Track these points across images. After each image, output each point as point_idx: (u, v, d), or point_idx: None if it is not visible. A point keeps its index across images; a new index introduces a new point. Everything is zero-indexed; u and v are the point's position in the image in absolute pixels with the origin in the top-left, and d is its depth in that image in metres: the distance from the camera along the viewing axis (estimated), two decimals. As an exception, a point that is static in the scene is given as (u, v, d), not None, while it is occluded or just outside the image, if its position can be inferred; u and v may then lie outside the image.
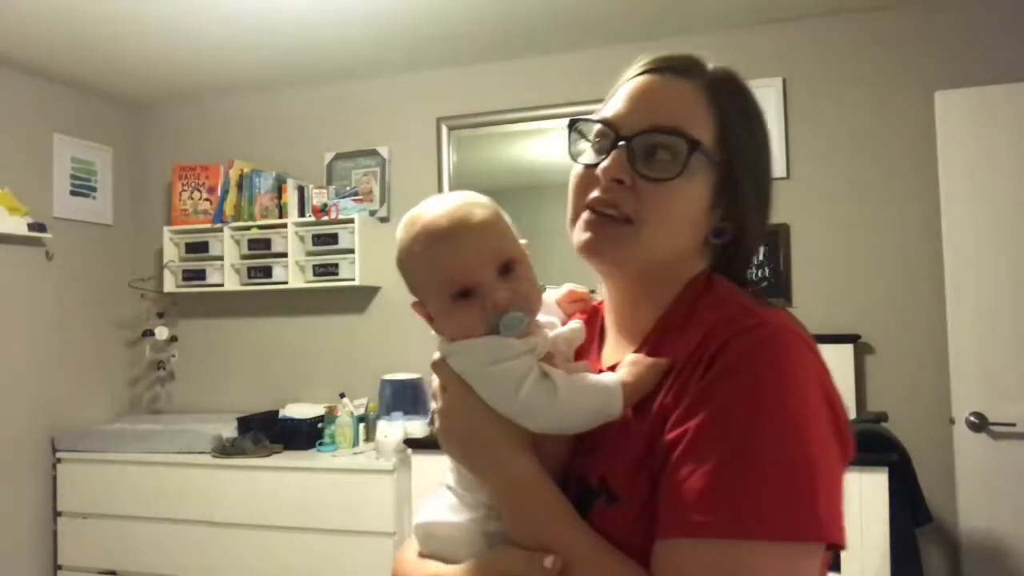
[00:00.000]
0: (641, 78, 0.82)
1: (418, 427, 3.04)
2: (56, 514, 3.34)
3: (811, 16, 2.97)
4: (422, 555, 0.84)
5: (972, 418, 2.61)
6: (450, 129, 3.45)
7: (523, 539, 0.74)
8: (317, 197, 3.38)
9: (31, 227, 3.25)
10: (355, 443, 3.18)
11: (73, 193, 3.57)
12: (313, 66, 3.41)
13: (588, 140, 0.84)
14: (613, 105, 0.82)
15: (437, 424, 0.82)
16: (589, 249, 0.80)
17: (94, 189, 3.68)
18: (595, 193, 0.79)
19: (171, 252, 3.59)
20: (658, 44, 3.11)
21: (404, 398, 3.21)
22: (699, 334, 0.73)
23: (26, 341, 3.33)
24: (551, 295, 0.93)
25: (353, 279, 3.28)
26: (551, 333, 0.81)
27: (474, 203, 0.80)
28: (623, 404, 0.74)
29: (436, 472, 2.98)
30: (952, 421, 2.66)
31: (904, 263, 2.85)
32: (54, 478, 3.36)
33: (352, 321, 3.55)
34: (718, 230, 0.81)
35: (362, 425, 3.25)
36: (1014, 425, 2.57)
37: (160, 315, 3.73)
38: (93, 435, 3.33)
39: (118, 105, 3.84)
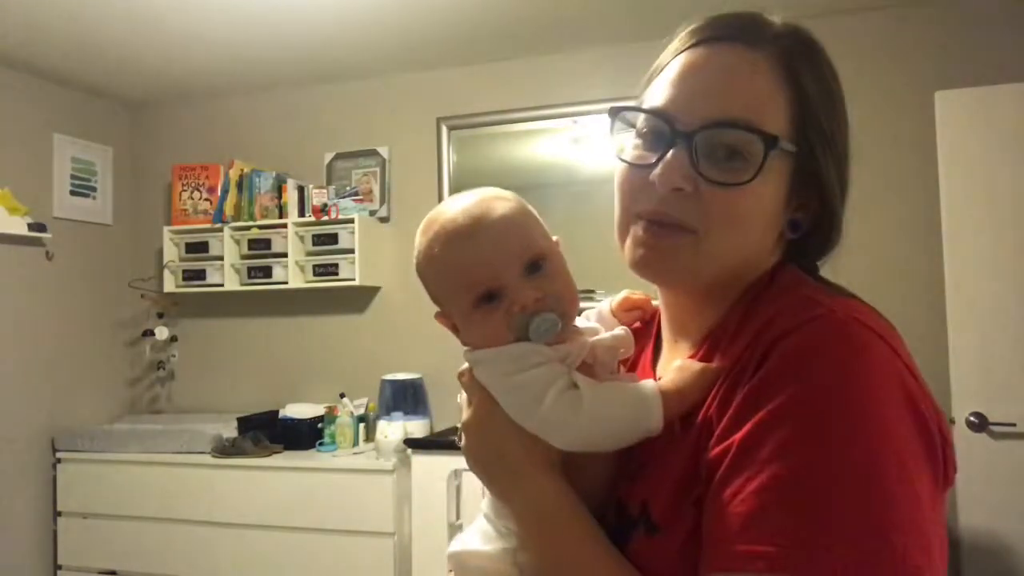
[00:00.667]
0: (697, 52, 0.67)
1: (418, 427, 3.05)
2: (56, 514, 3.34)
3: (811, 16, 2.95)
4: None
5: (972, 418, 2.61)
6: (450, 129, 3.44)
7: (545, 567, 0.66)
8: (317, 197, 3.38)
9: (31, 227, 3.25)
10: (355, 443, 3.19)
11: (73, 193, 3.57)
12: (313, 66, 3.41)
13: (635, 131, 0.70)
14: (663, 89, 0.67)
15: (462, 441, 0.74)
16: (644, 267, 0.68)
17: (94, 189, 3.68)
18: (649, 203, 0.66)
19: (171, 252, 3.59)
20: (658, 44, 3.12)
21: (404, 398, 3.21)
22: (754, 330, 0.62)
23: (26, 341, 3.32)
24: (605, 304, 0.85)
25: (353, 279, 3.28)
26: (589, 340, 0.71)
27: (494, 197, 0.72)
28: (664, 415, 0.63)
29: (436, 472, 2.98)
30: (952, 421, 2.66)
31: (904, 263, 2.84)
32: (54, 478, 3.36)
33: (352, 321, 3.55)
34: (794, 223, 0.70)
35: (362, 425, 3.25)
36: (1014, 425, 2.57)
37: (160, 315, 3.73)
38: (93, 435, 3.33)
39: (118, 105, 3.84)
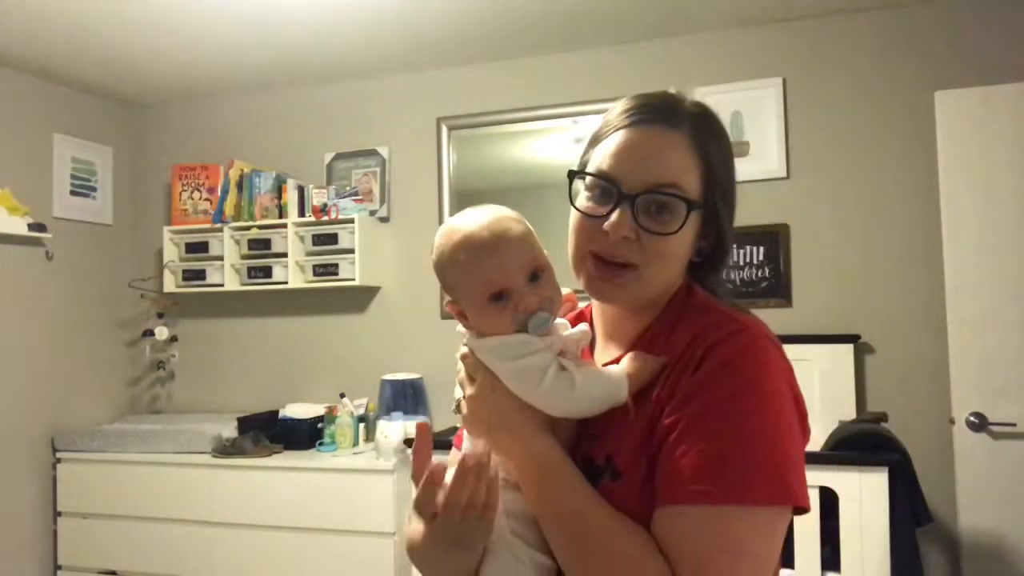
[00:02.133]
0: (632, 131, 0.89)
1: (418, 427, 3.04)
2: (56, 514, 3.34)
3: (811, 16, 2.97)
4: None
5: (972, 418, 2.61)
6: (450, 129, 3.45)
7: (544, 508, 0.84)
8: (317, 197, 3.38)
9: (31, 227, 3.25)
10: (355, 443, 3.19)
11: (73, 193, 3.57)
12: (313, 66, 3.41)
13: (584, 185, 0.92)
14: (609, 156, 0.89)
15: (464, 410, 0.93)
16: (599, 293, 0.92)
17: (94, 189, 3.68)
18: (600, 244, 0.88)
19: (171, 252, 3.59)
20: (659, 44, 3.12)
21: (404, 398, 3.22)
22: (688, 337, 0.86)
23: (26, 341, 3.33)
24: None
25: (353, 279, 3.28)
26: (564, 335, 0.91)
27: (510, 218, 0.91)
28: (628, 392, 0.85)
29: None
30: (952, 421, 2.66)
31: (904, 263, 2.85)
32: (54, 478, 3.36)
33: (352, 321, 3.55)
34: (699, 250, 0.93)
35: (362, 425, 3.25)
36: (1014, 425, 2.57)
37: (160, 315, 3.73)
38: (93, 435, 3.33)
39: (118, 105, 3.84)
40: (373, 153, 3.53)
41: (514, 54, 3.30)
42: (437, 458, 0.89)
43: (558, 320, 0.93)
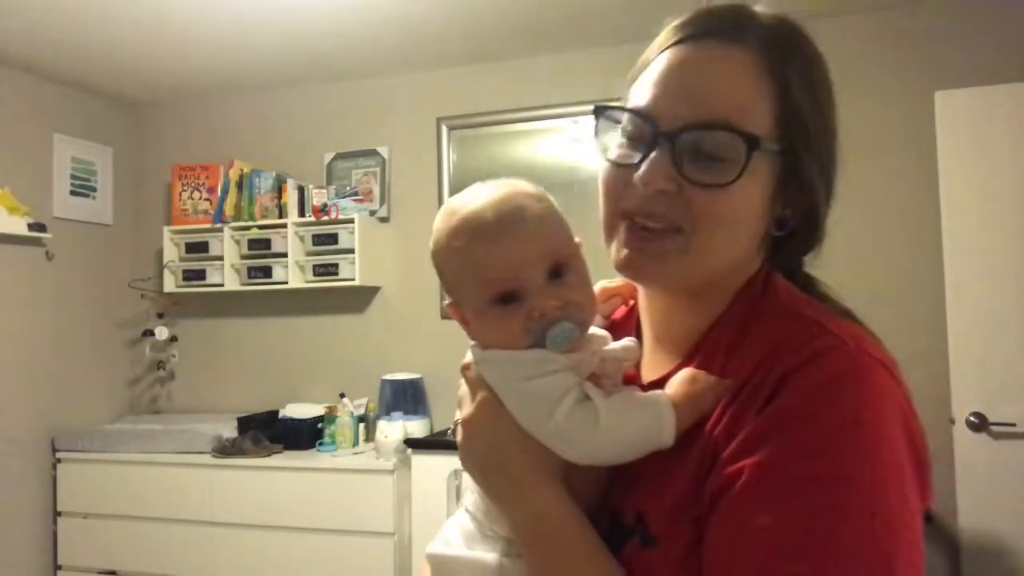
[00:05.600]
0: (680, 49, 0.67)
1: (418, 427, 3.05)
2: (56, 514, 3.34)
3: (811, 16, 2.96)
4: None
5: (972, 418, 2.61)
6: (450, 129, 3.45)
7: None
8: (317, 197, 3.38)
9: (31, 227, 3.25)
10: (355, 443, 3.19)
11: (73, 193, 3.57)
12: (313, 66, 3.41)
13: (619, 130, 0.70)
14: (647, 87, 0.67)
15: (459, 437, 0.72)
16: (631, 269, 0.69)
17: (94, 189, 3.68)
18: (633, 201, 0.66)
19: (171, 252, 3.59)
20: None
21: (404, 398, 3.21)
22: (760, 352, 0.62)
23: (26, 341, 3.32)
24: None
25: (353, 279, 3.28)
26: (600, 351, 0.69)
27: (525, 194, 0.69)
28: (676, 432, 0.63)
29: (436, 472, 2.97)
30: (952, 421, 2.66)
31: (904, 263, 2.84)
32: (54, 478, 3.36)
33: (352, 321, 3.55)
34: (781, 221, 0.69)
35: (362, 425, 3.25)
36: (1014, 425, 2.57)
37: (160, 315, 3.73)
38: (93, 435, 3.33)
39: (118, 105, 3.84)
40: (373, 153, 3.53)
41: (514, 54, 3.30)
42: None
43: (593, 330, 0.71)
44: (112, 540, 3.23)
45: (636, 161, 0.66)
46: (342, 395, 3.28)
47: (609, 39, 3.13)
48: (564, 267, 0.68)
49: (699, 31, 0.67)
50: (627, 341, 0.71)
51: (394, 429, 2.95)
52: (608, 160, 0.69)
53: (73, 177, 3.57)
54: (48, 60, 3.25)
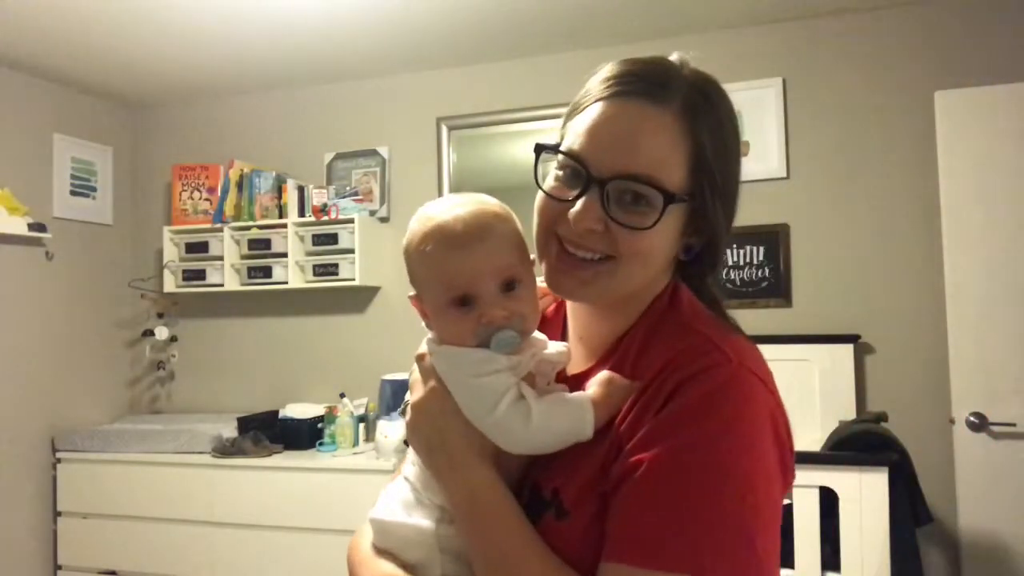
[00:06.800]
0: (612, 104, 0.77)
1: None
2: (56, 514, 3.34)
3: (811, 16, 2.97)
4: (376, 548, 0.85)
5: (972, 418, 2.61)
6: (450, 129, 3.45)
7: (474, 548, 0.75)
8: (317, 197, 3.38)
9: (31, 227, 3.25)
10: (355, 443, 3.19)
11: (73, 193, 3.57)
12: (313, 66, 3.41)
13: (556, 163, 0.81)
14: (581, 133, 0.78)
15: (408, 416, 0.83)
16: (561, 289, 0.81)
17: (94, 189, 3.68)
18: (566, 228, 0.77)
19: (171, 252, 3.59)
20: (658, 44, 3.12)
21: (404, 398, 3.21)
22: (660, 361, 0.74)
23: (26, 341, 3.32)
24: None
25: (353, 279, 3.28)
26: (538, 353, 0.80)
27: (492, 213, 0.79)
28: (594, 428, 0.75)
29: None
30: (952, 421, 2.66)
31: (904, 263, 2.85)
32: (54, 478, 3.36)
33: (352, 321, 3.55)
34: (687, 247, 0.82)
35: (362, 425, 3.25)
36: (1014, 425, 2.57)
37: (160, 315, 3.73)
38: (93, 435, 3.33)
39: (118, 105, 3.84)
40: (373, 153, 3.53)
41: (514, 54, 3.31)
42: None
43: (535, 334, 0.82)
44: (112, 540, 3.23)
45: (570, 198, 0.77)
46: (342, 395, 3.28)
47: (609, 39, 3.14)
48: (515, 282, 0.78)
49: (628, 89, 0.77)
50: (561, 346, 0.84)
51: (394, 429, 2.95)
52: (545, 192, 0.80)
53: (73, 177, 3.57)
54: (48, 60, 3.25)
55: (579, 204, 0.75)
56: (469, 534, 0.75)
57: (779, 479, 0.73)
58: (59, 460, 3.34)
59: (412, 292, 0.83)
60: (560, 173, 0.79)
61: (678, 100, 0.76)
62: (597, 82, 0.80)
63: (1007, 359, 2.61)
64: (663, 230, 0.76)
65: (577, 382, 0.81)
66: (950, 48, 2.81)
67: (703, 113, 0.77)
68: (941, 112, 2.70)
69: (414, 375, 0.84)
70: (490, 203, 0.81)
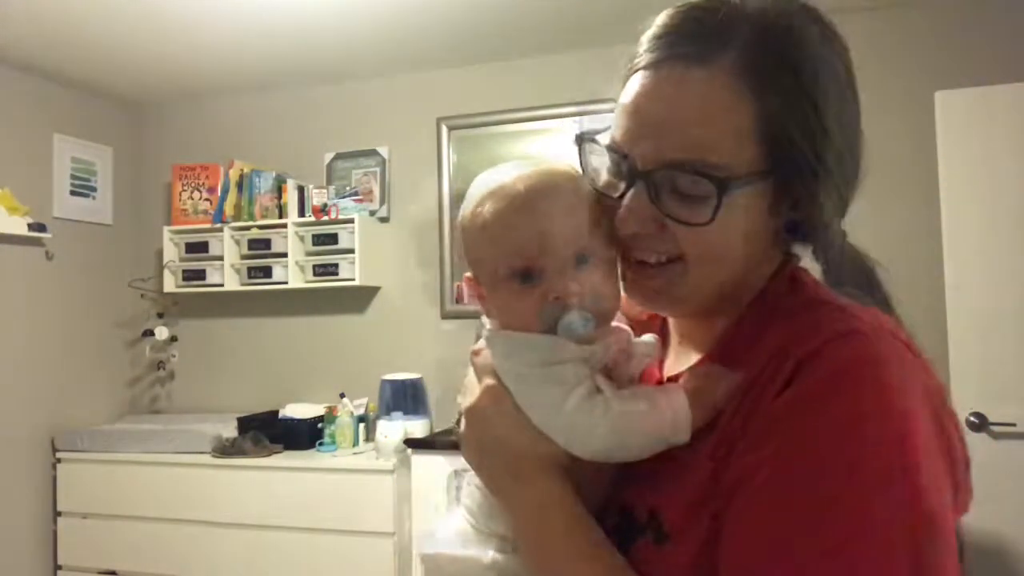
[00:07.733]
0: (649, 75, 0.63)
1: (418, 427, 3.04)
2: (56, 514, 3.34)
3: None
4: None
5: (972, 418, 2.61)
6: (450, 129, 3.44)
7: None
8: (317, 197, 3.38)
9: (31, 227, 3.24)
10: (355, 443, 3.18)
11: (73, 193, 3.57)
12: (313, 66, 3.41)
13: (604, 152, 0.67)
14: (620, 116, 0.65)
15: (462, 426, 0.69)
16: (644, 301, 0.68)
17: (94, 189, 3.68)
18: (626, 231, 0.65)
19: (171, 252, 3.59)
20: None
21: (404, 398, 3.21)
22: (778, 340, 0.59)
23: (26, 341, 3.32)
24: None
25: (353, 279, 3.28)
26: (618, 344, 0.66)
27: (563, 173, 0.66)
28: (691, 428, 0.60)
29: (436, 472, 2.97)
30: (952, 421, 2.66)
31: (904, 263, 2.84)
32: (54, 478, 3.36)
33: (352, 321, 3.55)
34: (790, 224, 0.66)
35: (362, 425, 3.25)
36: (1014, 425, 2.57)
37: (160, 315, 3.73)
38: (93, 435, 3.33)
39: (118, 105, 3.84)
40: (373, 153, 3.53)
41: (514, 54, 3.30)
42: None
43: (615, 324, 0.68)
44: (112, 540, 3.23)
45: (616, 196, 0.64)
46: (342, 395, 3.28)
47: (609, 39, 3.13)
48: (593, 255, 0.64)
49: (668, 53, 0.62)
50: (648, 337, 0.69)
51: (394, 429, 2.95)
52: (598, 187, 0.67)
53: (73, 177, 3.57)
54: (48, 60, 3.25)
55: (625, 202, 0.63)
56: (534, 560, 0.62)
57: (949, 490, 0.55)
58: (59, 460, 3.34)
59: (467, 274, 0.70)
60: (609, 165, 0.66)
61: (732, 54, 0.60)
62: (644, 43, 0.66)
63: (1007, 359, 2.60)
64: (731, 220, 0.60)
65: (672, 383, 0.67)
66: (950, 48, 2.81)
67: (771, 66, 0.60)
68: (941, 112, 2.70)
69: (467, 378, 0.70)
70: (563, 164, 0.68)
